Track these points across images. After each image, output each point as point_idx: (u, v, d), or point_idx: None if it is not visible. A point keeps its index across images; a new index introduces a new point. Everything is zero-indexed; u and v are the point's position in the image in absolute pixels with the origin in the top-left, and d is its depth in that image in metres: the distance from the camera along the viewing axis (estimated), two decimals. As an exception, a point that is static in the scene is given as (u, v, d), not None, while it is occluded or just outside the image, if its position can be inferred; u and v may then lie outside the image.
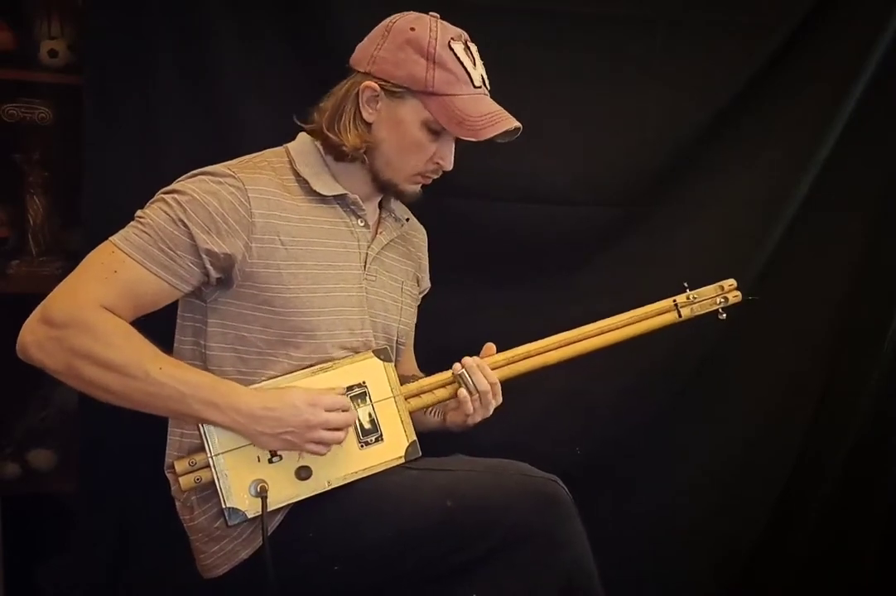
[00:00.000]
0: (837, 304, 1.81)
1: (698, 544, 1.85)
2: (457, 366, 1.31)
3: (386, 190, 1.34)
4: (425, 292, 1.52)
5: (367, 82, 1.25)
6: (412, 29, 1.24)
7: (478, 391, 1.29)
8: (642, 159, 1.73)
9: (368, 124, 1.27)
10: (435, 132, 1.27)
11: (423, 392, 1.32)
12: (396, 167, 1.29)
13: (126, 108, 1.58)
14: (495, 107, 1.27)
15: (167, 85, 1.58)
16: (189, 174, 1.24)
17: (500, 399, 1.33)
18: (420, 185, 1.34)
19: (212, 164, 1.27)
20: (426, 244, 1.50)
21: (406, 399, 1.29)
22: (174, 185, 1.22)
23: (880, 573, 1.83)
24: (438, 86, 1.23)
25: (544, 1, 1.67)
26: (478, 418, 1.32)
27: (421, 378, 1.35)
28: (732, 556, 1.87)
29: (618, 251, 1.77)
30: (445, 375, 1.32)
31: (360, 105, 1.26)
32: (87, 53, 1.60)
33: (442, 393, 1.32)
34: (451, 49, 1.24)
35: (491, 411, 1.32)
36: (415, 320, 1.46)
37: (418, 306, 1.50)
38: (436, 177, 1.33)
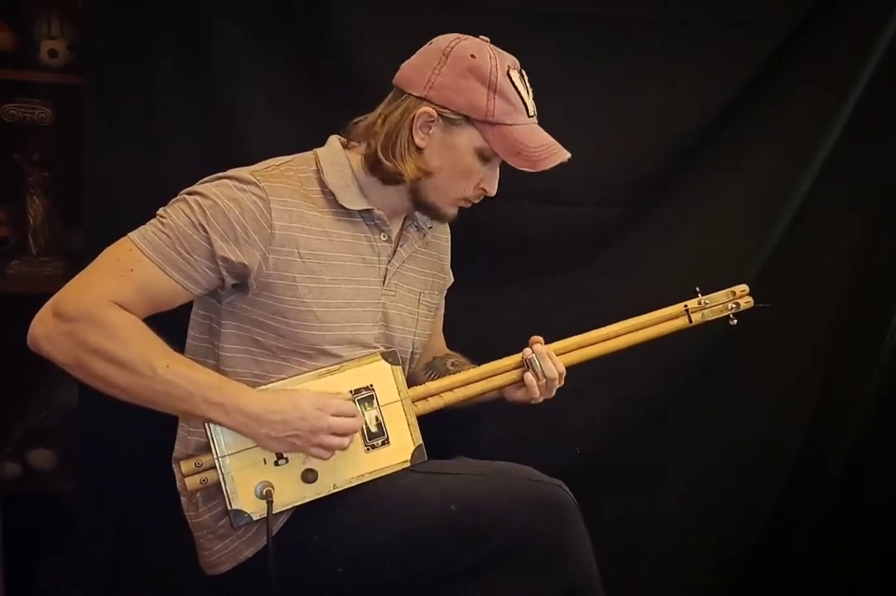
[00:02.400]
0: (837, 304, 1.81)
1: (698, 544, 1.85)
2: (527, 351, 1.33)
3: (425, 211, 1.32)
4: (451, 283, 1.50)
5: (425, 108, 1.22)
6: (472, 56, 1.23)
7: (545, 377, 1.32)
8: (642, 159, 1.73)
9: (420, 149, 1.25)
10: (486, 159, 1.26)
11: (469, 383, 1.33)
12: (444, 192, 1.28)
13: (126, 108, 1.58)
14: (549, 138, 1.27)
15: (167, 85, 1.58)
16: (214, 176, 1.23)
17: (563, 382, 1.35)
18: (458, 209, 1.33)
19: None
20: (449, 242, 1.49)
21: (413, 402, 1.28)
22: (198, 187, 1.21)
23: (880, 573, 1.83)
24: (498, 115, 1.22)
25: (544, 1, 1.67)
26: (541, 400, 1.35)
27: (456, 357, 1.39)
28: (733, 556, 1.87)
29: (618, 251, 1.77)
30: (509, 361, 1.34)
31: (413, 130, 1.24)
32: (87, 53, 1.60)
33: (503, 378, 1.34)
34: (510, 78, 1.23)
35: (553, 394, 1.35)
36: (430, 329, 1.44)
37: (447, 298, 1.50)
38: (477, 202, 1.32)
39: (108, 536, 1.69)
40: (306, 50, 1.61)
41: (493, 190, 1.30)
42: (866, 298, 1.79)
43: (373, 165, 1.27)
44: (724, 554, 1.87)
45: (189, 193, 1.20)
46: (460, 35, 1.27)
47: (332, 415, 1.17)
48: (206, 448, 1.18)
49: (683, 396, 1.81)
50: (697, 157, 1.74)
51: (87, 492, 1.68)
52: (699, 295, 1.43)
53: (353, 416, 1.20)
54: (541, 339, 1.36)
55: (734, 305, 1.44)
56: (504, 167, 1.29)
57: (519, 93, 1.24)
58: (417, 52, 1.28)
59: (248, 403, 1.15)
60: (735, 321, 1.45)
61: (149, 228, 1.18)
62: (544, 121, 1.30)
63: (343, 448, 1.19)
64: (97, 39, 1.56)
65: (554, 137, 1.28)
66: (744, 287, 1.46)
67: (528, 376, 1.32)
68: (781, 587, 1.87)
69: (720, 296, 1.44)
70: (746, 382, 1.83)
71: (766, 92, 1.71)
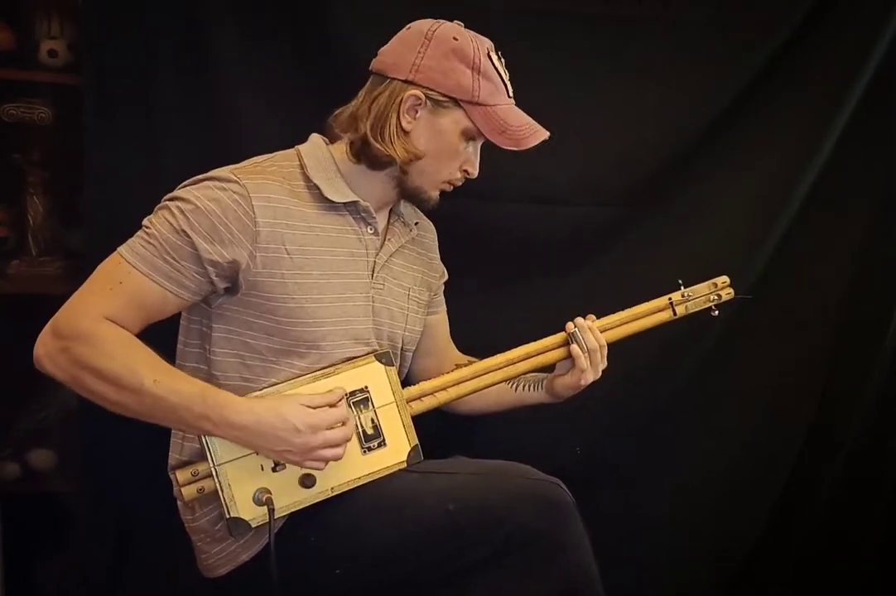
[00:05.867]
0: (837, 303, 1.81)
1: (698, 544, 1.85)
2: (569, 325, 1.37)
3: (409, 197, 1.33)
4: (445, 280, 1.51)
5: (413, 91, 1.23)
6: (455, 39, 1.25)
7: (588, 350, 1.34)
8: (641, 159, 1.73)
9: (406, 133, 1.26)
10: (470, 139, 1.28)
11: (478, 376, 1.34)
12: (429, 175, 1.29)
13: (126, 108, 1.58)
14: (528, 117, 1.30)
15: (167, 85, 1.58)
16: (194, 179, 1.22)
17: (605, 362, 1.38)
18: (440, 193, 1.34)
19: (212, 164, 1.26)
20: (437, 242, 1.50)
21: (408, 402, 1.28)
22: (178, 192, 1.21)
23: (880, 573, 1.83)
24: (483, 96, 1.25)
25: (544, 1, 1.68)
26: (589, 378, 1.37)
27: (476, 361, 1.38)
28: (733, 556, 1.87)
29: (617, 251, 1.77)
30: (550, 341, 1.37)
31: (401, 113, 1.25)
32: (87, 53, 1.60)
33: (549, 357, 1.37)
34: (490, 59, 1.25)
35: (599, 373, 1.38)
36: (422, 327, 1.44)
37: (446, 295, 1.52)
38: (460, 185, 1.34)
39: (108, 536, 1.69)
40: (306, 50, 1.61)
41: (475, 171, 1.32)
42: (866, 298, 1.79)
43: (360, 150, 1.27)
44: (724, 554, 1.87)
45: (170, 199, 1.20)
46: (438, 20, 1.29)
47: (326, 428, 1.17)
48: (202, 454, 1.18)
49: (682, 396, 1.81)
50: (697, 157, 1.74)
51: (87, 492, 1.68)
52: (682, 287, 1.45)
53: (345, 422, 1.19)
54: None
55: (716, 297, 1.47)
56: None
57: (500, 74, 1.26)
58: (394, 37, 1.29)
59: (233, 413, 1.14)
60: (717, 312, 1.48)
61: (135, 240, 1.18)
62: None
63: (338, 458, 1.19)
64: (97, 39, 1.56)
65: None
66: (724, 279, 1.48)
67: (575, 348, 1.35)
68: (781, 587, 1.87)
69: (702, 288, 1.47)
70: (746, 382, 1.83)
71: (765, 92, 1.71)
